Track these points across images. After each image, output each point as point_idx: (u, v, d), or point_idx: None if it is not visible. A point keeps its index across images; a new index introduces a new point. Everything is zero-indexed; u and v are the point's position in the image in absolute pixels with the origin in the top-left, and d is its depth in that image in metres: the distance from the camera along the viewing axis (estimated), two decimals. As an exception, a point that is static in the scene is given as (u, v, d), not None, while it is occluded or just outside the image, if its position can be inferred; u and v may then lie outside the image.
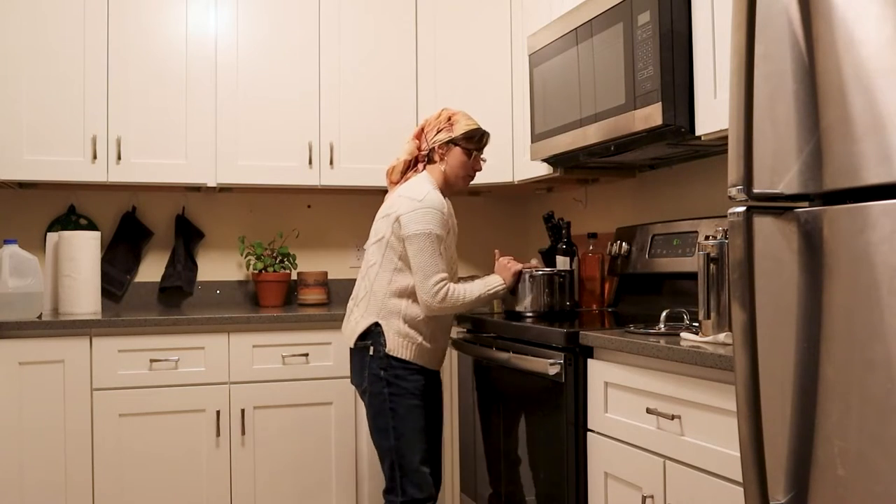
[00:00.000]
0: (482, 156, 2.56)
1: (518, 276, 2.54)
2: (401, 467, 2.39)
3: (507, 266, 2.54)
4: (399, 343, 2.39)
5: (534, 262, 2.67)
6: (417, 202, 2.37)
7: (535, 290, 2.58)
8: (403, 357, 2.39)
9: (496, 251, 2.68)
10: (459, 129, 2.48)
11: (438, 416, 2.61)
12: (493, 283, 2.47)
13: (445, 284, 2.36)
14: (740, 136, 1.24)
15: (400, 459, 2.39)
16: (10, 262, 2.79)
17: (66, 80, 2.98)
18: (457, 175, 2.50)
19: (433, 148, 2.50)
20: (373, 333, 2.41)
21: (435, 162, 2.51)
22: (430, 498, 2.41)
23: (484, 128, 2.55)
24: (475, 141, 2.50)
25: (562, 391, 2.08)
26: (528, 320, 2.46)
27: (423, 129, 2.55)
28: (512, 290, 2.56)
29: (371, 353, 2.40)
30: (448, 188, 2.52)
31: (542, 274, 2.58)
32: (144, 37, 3.07)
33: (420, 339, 2.41)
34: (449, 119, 2.50)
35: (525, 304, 2.58)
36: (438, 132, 2.50)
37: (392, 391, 2.38)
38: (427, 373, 2.47)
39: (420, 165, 2.55)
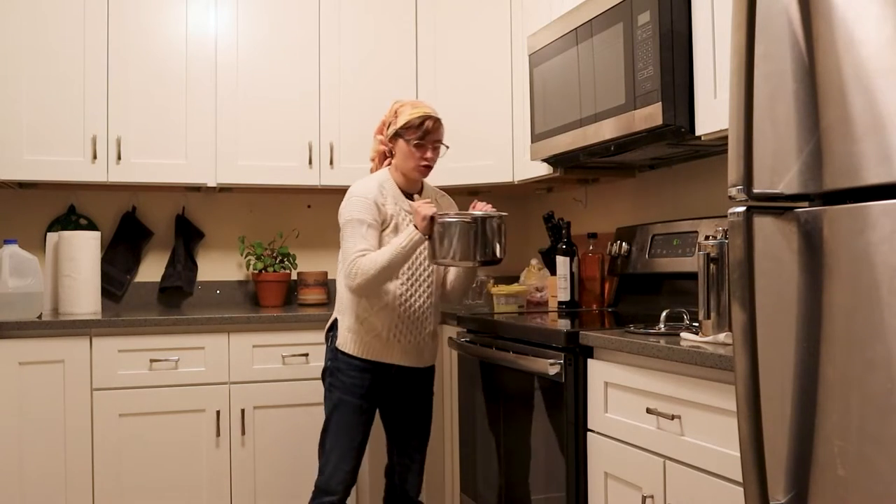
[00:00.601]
0: (443, 143, 2.46)
1: (431, 220, 2.30)
2: (322, 454, 2.47)
3: (417, 210, 2.32)
4: (347, 338, 2.45)
5: (480, 204, 2.42)
6: (347, 194, 2.43)
7: (451, 237, 2.29)
8: (348, 352, 2.45)
9: (415, 195, 2.53)
10: (401, 121, 2.44)
11: (409, 416, 2.56)
12: (405, 235, 2.32)
13: (355, 261, 2.32)
14: (740, 136, 1.24)
15: (322, 447, 2.47)
16: (10, 262, 2.79)
17: (66, 80, 2.98)
18: (407, 167, 2.45)
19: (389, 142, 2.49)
20: (333, 327, 2.51)
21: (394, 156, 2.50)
22: (330, 493, 2.42)
23: (436, 115, 2.44)
24: (414, 129, 2.41)
25: (562, 391, 2.08)
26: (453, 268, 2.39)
27: (383, 124, 2.54)
28: (429, 236, 2.32)
29: (329, 344, 2.51)
30: (406, 181, 2.49)
31: (457, 221, 2.29)
32: (144, 37, 3.07)
33: (371, 335, 2.43)
34: (396, 112, 2.48)
35: (446, 254, 2.30)
36: (388, 126, 2.49)
37: (331, 382, 2.48)
38: (384, 370, 2.47)
39: (387, 160, 2.55)
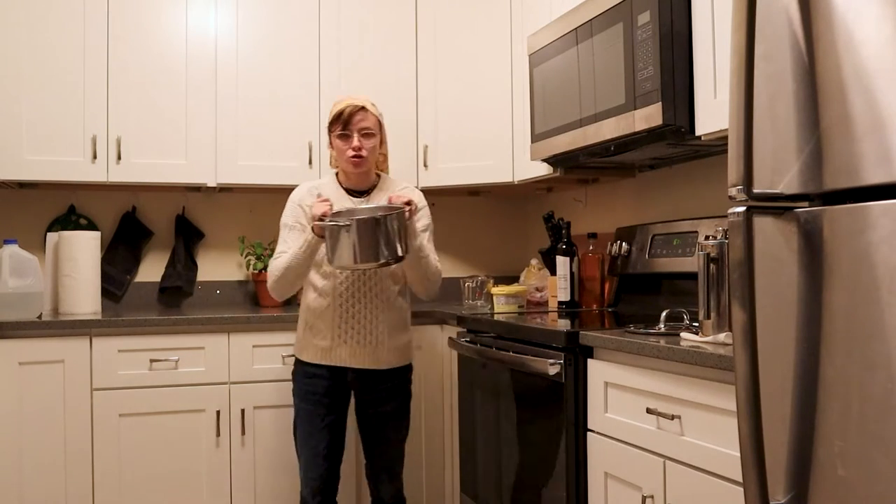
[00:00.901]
0: (371, 130, 2.39)
1: (321, 220, 2.20)
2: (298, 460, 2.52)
3: (311, 210, 2.30)
4: (298, 344, 2.51)
5: (394, 196, 2.30)
6: None
7: (336, 239, 2.15)
8: (300, 357, 2.49)
9: (371, 192, 2.46)
10: (328, 119, 2.44)
11: (372, 423, 2.50)
12: (304, 237, 2.32)
13: (270, 263, 2.39)
14: (740, 136, 1.24)
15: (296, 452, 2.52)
16: (10, 262, 2.79)
17: (66, 80, 2.98)
18: (341, 162, 2.45)
19: None
20: None
21: None
22: (304, 502, 2.47)
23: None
24: (335, 122, 2.39)
25: (562, 391, 2.08)
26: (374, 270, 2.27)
27: None
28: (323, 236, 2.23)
29: None
30: (349, 177, 2.48)
31: (332, 224, 2.14)
32: (144, 36, 3.07)
33: (318, 338, 2.43)
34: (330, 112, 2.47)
35: (332, 257, 2.18)
36: None
37: (292, 389, 2.53)
38: (338, 374, 2.45)
39: None
